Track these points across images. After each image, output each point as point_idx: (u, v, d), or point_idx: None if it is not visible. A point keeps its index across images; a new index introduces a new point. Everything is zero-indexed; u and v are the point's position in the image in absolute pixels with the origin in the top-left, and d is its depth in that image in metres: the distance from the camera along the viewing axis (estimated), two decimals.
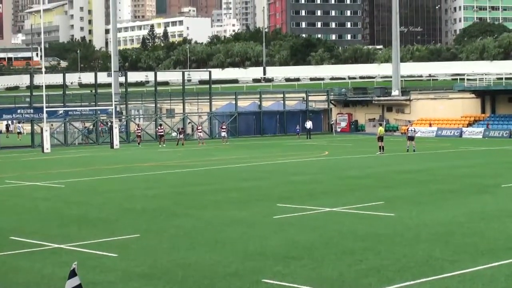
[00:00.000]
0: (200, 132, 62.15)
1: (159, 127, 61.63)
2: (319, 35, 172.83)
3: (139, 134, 61.43)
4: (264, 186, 29.45)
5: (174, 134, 69.71)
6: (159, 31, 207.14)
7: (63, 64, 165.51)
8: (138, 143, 60.48)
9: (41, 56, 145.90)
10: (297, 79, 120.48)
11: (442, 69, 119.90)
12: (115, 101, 62.60)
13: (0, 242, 17.93)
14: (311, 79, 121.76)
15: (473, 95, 70.62)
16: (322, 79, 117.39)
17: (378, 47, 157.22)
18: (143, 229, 19.48)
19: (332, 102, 79.04)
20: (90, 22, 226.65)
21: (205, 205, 23.94)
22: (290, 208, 22.84)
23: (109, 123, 62.21)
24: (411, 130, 48.58)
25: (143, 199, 25.75)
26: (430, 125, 68.97)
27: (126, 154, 51.22)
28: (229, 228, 19.39)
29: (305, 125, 67.75)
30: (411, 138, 47.53)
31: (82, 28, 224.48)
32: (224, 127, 63.78)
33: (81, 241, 17.75)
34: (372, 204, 23.36)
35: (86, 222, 20.83)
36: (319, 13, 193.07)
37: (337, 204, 23.36)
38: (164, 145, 58.68)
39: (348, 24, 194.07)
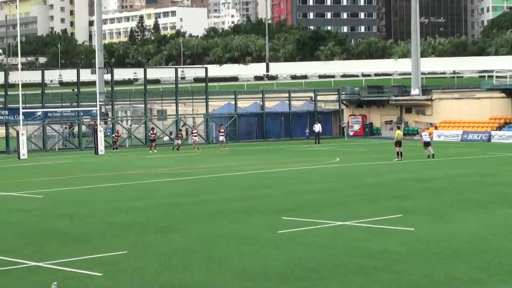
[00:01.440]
0: (195, 136, 62.25)
1: (151, 131, 61.75)
2: (329, 27, 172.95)
3: (116, 139, 61.73)
4: (267, 196, 29.49)
5: (166, 138, 69.77)
6: (149, 23, 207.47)
7: (42, 60, 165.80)
8: (115, 148, 60.69)
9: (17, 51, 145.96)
10: (304, 77, 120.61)
11: (467, 65, 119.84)
12: (100, 102, 62.67)
13: None
14: (320, 76, 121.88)
15: (503, 94, 70.55)
16: (333, 76, 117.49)
17: (391, 41, 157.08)
18: (131, 245, 19.54)
19: (344, 102, 79.10)
20: (71, 13, 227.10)
21: (200, 218, 24.01)
22: (295, 221, 22.89)
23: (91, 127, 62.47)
24: (425, 135, 48.98)
25: (131, 211, 25.82)
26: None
27: (112, 160, 51.25)
28: (226, 245, 19.45)
29: (313, 128, 67.79)
30: (428, 144, 47.81)
31: (63, 20, 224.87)
32: (222, 130, 63.82)
33: (61, 259, 17.81)
34: (388, 217, 23.41)
35: (67, 237, 20.89)
36: (328, 2, 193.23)
37: (348, 217, 23.42)
38: (155, 151, 58.73)
39: (362, 15, 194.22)
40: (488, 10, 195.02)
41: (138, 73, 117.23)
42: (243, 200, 28.50)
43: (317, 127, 67.20)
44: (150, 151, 58.49)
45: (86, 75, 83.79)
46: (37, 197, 30.50)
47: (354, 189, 31.58)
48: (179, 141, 61.29)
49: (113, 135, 63.49)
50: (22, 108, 56.85)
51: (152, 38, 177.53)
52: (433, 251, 18.12)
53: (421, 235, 20.34)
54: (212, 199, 29.00)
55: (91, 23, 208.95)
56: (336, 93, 79.46)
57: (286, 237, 20.32)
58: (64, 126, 69.70)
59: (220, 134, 63.43)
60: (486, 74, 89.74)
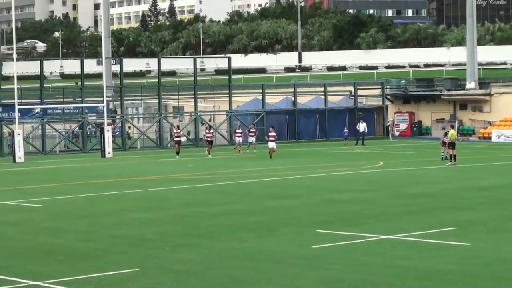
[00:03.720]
0: (240, 136, 60.71)
1: (207, 130, 59.67)
2: (371, 11, 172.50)
3: (177, 139, 58.57)
4: (299, 206, 29.44)
5: (183, 139, 69.73)
6: (163, 6, 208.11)
7: (40, 48, 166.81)
8: (178, 152, 58.02)
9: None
10: (343, 68, 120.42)
11: None
12: (107, 97, 62.86)
13: None
14: (361, 67, 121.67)
15: None
16: (375, 67, 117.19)
17: (443, 26, 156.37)
18: (141, 263, 19.54)
19: (388, 97, 78.84)
20: None
21: (220, 232, 23.98)
22: (332, 235, 22.80)
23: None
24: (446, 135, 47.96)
25: (141, 224, 25.84)
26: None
27: (121, 165, 51.36)
28: (251, 263, 19.40)
29: (357, 128, 67.45)
30: (446, 144, 47.33)
31: (64, 3, 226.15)
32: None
33: (61, 277, 17.85)
34: (439, 230, 23.26)
35: (68, 253, 20.95)
36: None
37: (393, 230, 23.30)
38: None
39: None
40: None
41: (151, 64, 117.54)
42: (271, 211, 28.42)
43: (362, 126, 66.89)
44: (209, 155, 56.90)
45: (91, 66, 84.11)
46: (35, 207, 30.63)
47: (400, 198, 31.46)
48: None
49: (174, 131, 61.06)
50: (18, 104, 57.10)
51: (167, 23, 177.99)
52: (491, 272, 17.94)
53: (478, 252, 20.18)
54: (235, 209, 28.96)
55: (96, 7, 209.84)
56: (380, 87, 79.13)
57: (321, 254, 20.24)
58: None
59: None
60: None
